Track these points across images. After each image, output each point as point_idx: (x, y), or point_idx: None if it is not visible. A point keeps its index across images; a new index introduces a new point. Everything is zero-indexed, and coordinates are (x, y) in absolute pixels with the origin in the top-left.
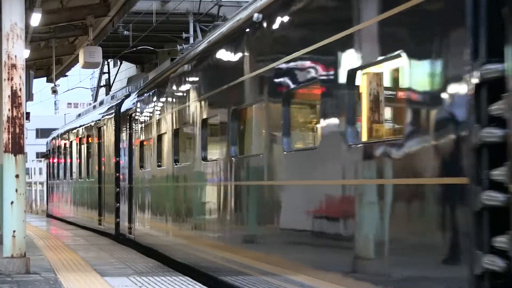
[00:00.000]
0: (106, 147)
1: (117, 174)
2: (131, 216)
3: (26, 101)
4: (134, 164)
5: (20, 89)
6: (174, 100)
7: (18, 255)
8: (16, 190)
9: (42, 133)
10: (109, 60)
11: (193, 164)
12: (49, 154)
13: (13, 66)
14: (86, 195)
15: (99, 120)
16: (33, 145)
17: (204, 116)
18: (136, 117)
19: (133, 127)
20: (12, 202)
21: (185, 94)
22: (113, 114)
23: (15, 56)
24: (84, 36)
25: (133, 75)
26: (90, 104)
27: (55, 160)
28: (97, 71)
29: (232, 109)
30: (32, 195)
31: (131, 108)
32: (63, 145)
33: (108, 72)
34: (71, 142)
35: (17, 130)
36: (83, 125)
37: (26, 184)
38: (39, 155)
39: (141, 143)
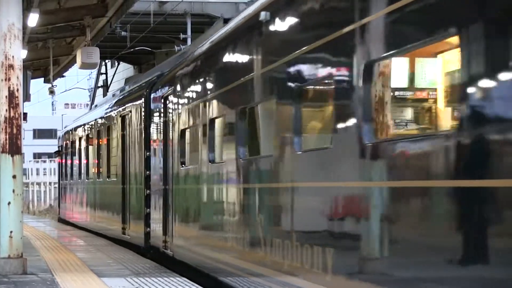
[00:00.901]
0: (132, 141)
1: (147, 172)
2: (167, 225)
3: (24, 101)
4: (172, 160)
5: (18, 90)
6: (235, 71)
7: (15, 256)
8: (13, 191)
9: (40, 133)
10: (106, 61)
11: (279, 156)
12: (61, 151)
13: (11, 66)
14: (106, 197)
15: (123, 108)
16: (30, 145)
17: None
18: (175, 100)
19: (170, 112)
20: (9, 203)
21: (251, 62)
22: (142, 99)
23: (13, 56)
24: (82, 37)
25: (130, 75)
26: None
27: (68, 158)
28: (94, 71)
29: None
30: (29, 195)
31: (167, 89)
32: (77, 140)
33: (106, 73)
34: (88, 136)
35: (14, 131)
36: (102, 115)
37: (23, 184)
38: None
39: (182, 132)
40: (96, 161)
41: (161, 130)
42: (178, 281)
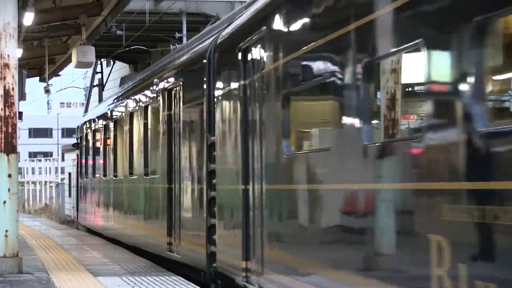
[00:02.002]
0: (183, 123)
1: (212, 166)
2: (251, 246)
3: (19, 100)
4: (261, 146)
5: (13, 89)
6: None
7: (11, 255)
8: (9, 190)
9: (35, 132)
10: (102, 59)
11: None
12: (80, 143)
13: (6, 65)
14: (142, 201)
15: (169, 80)
16: (26, 144)
17: None
18: (270, 49)
19: (259, 70)
20: (4, 202)
21: None
22: (203, 62)
23: (8, 55)
24: (77, 36)
25: (126, 74)
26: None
27: (90, 152)
28: (90, 70)
29: None
30: (24, 194)
31: (251, 37)
32: (102, 129)
33: (101, 72)
34: (116, 122)
35: (10, 130)
36: (137, 94)
37: (18, 183)
38: (31, 155)
39: (286, 97)
40: (128, 154)
41: (239, 102)
42: (173, 279)
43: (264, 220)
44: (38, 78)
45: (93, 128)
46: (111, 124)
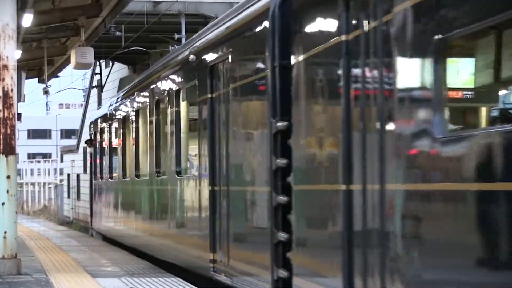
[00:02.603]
0: (232, 107)
1: (282, 162)
2: (361, 272)
3: (18, 102)
4: (376, 129)
5: (12, 90)
6: None
7: (9, 256)
8: (8, 191)
9: (34, 134)
10: (101, 61)
11: None
12: (94, 139)
13: (5, 67)
14: (173, 206)
15: (211, 53)
16: (25, 146)
17: None
18: None
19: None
20: (3, 203)
21: None
22: (266, 22)
23: (7, 57)
24: (76, 37)
25: (125, 76)
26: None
27: (105, 149)
28: (89, 72)
29: None
30: (23, 196)
31: None
32: (122, 122)
33: (100, 73)
34: (138, 113)
35: (9, 131)
36: (170, 72)
37: (17, 185)
38: (30, 156)
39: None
40: (154, 150)
41: (341, 65)
42: (172, 281)
43: (400, 237)
44: (37, 79)
45: (109, 122)
46: (132, 116)
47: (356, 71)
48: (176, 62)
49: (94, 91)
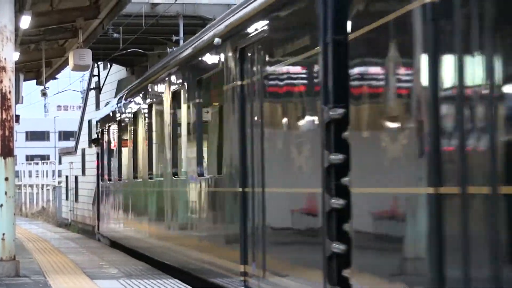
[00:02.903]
0: (268, 94)
1: (334, 157)
2: None
3: (16, 103)
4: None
5: (10, 92)
6: None
7: (8, 258)
8: (6, 193)
9: (32, 136)
10: (99, 62)
11: None
12: (101, 138)
13: (3, 68)
14: (193, 209)
15: (248, 32)
16: (23, 147)
17: None
18: None
19: None
20: (1, 205)
21: None
22: None
23: (5, 58)
24: (74, 39)
25: (123, 78)
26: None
27: (115, 148)
28: (87, 73)
29: None
30: (22, 197)
31: None
32: (133, 119)
33: (98, 75)
34: (152, 108)
35: (7, 133)
36: (188, 59)
37: (15, 186)
38: (28, 158)
39: None
40: (171, 148)
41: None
42: (170, 282)
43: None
44: (35, 81)
45: (119, 119)
46: (145, 111)
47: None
48: (196, 49)
49: (92, 93)
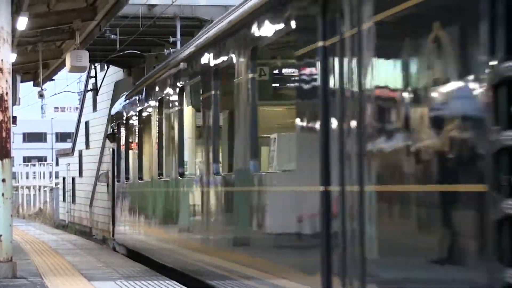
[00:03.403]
0: (373, 55)
1: None
2: None
3: (13, 105)
4: None
5: (7, 93)
6: None
7: (5, 260)
8: (3, 195)
9: (29, 137)
10: (96, 64)
11: None
12: (117, 133)
13: (0, 70)
14: (246, 215)
15: None
16: (20, 149)
17: None
18: None
19: None
20: None
21: None
22: None
23: (2, 60)
24: (71, 40)
25: (120, 79)
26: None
27: (135, 143)
28: (84, 75)
29: None
30: (19, 199)
31: None
32: (158, 108)
33: (95, 76)
34: (183, 91)
35: (4, 134)
36: (244, 23)
37: (12, 188)
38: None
39: None
40: (212, 139)
41: None
42: (167, 284)
43: None
44: (32, 82)
45: (140, 109)
46: (174, 98)
47: None
48: (249, 9)
49: (89, 95)
